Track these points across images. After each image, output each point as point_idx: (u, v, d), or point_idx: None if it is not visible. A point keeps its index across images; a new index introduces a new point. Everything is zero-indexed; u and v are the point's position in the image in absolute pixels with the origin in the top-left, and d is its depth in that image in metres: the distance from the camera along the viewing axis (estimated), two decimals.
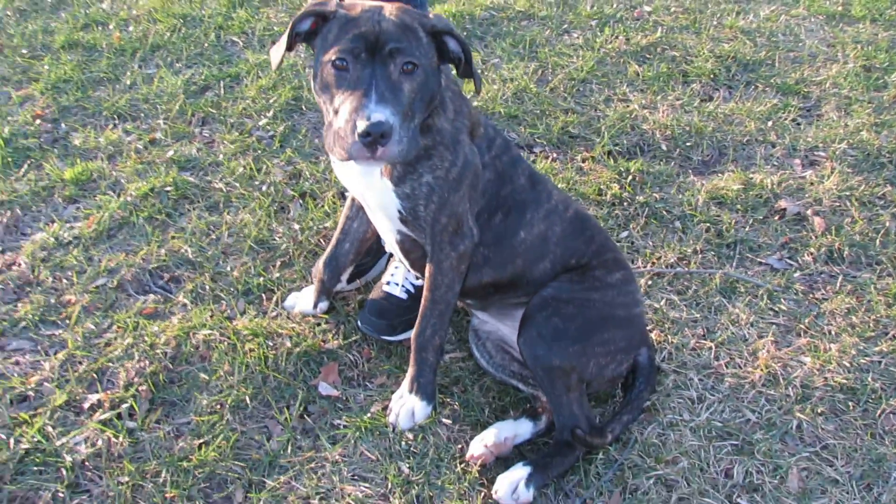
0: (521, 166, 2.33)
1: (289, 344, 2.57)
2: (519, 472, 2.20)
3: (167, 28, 4.39)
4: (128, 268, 2.85)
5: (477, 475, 2.23)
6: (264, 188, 3.24)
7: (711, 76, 4.11)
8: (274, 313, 2.70)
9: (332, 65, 1.91)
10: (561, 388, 2.25)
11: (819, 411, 2.49)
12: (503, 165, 2.28)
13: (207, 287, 2.79)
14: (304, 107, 3.75)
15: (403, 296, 2.66)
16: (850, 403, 2.53)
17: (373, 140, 1.80)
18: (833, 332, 2.76)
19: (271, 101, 3.76)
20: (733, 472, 2.30)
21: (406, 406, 2.36)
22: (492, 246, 2.32)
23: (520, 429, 2.35)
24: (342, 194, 3.22)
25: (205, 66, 4.06)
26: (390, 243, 2.40)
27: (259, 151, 3.45)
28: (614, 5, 4.78)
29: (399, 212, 2.21)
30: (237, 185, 3.25)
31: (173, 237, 2.99)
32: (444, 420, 2.40)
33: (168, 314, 2.69)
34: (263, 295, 2.78)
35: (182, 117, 3.67)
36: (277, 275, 2.86)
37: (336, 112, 1.89)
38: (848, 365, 2.63)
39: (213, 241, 2.98)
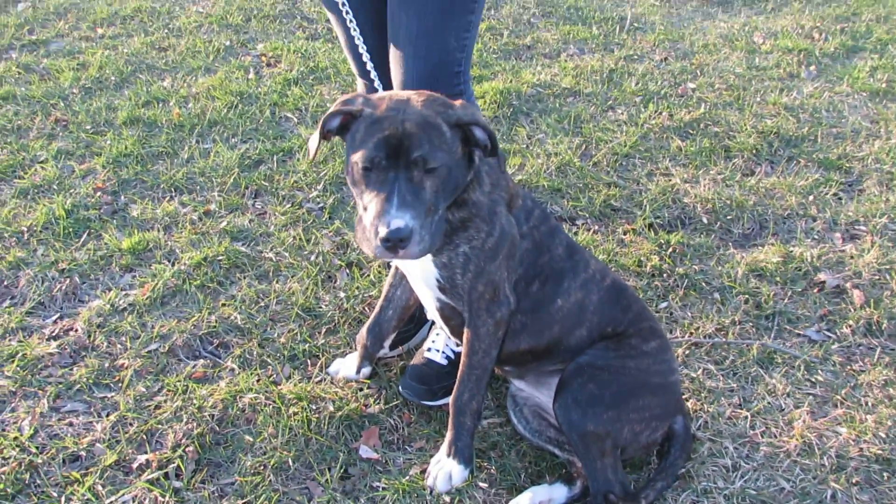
0: (560, 237, 2.41)
1: (331, 408, 2.65)
2: None
3: (224, 105, 4.59)
4: (179, 333, 2.97)
5: None
6: (313, 258, 3.36)
7: (754, 151, 4.18)
8: (318, 378, 2.79)
9: (359, 166, 2.01)
10: (595, 454, 2.29)
11: (854, 481, 2.49)
12: (541, 235, 2.36)
13: (255, 353, 2.89)
14: None
15: (444, 362, 2.74)
16: (886, 474, 2.52)
17: (393, 245, 1.93)
18: (870, 404, 2.76)
19: (321, 174, 3.91)
20: None
21: (444, 469, 2.42)
22: (529, 313, 2.39)
23: (554, 493, 2.38)
24: (388, 264, 3.32)
25: (259, 141, 4.23)
26: (431, 310, 2.48)
27: (309, 222, 3.58)
28: (659, 82, 4.89)
29: (437, 280, 2.30)
30: (287, 254, 3.38)
31: (223, 304, 3.11)
32: (480, 484, 2.44)
33: (216, 378, 2.80)
34: (308, 360, 2.87)
35: (236, 190, 3.83)
36: (322, 341, 2.95)
37: (365, 209, 2.01)
38: (884, 436, 2.63)
39: (262, 309, 3.10)
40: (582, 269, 2.42)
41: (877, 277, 3.31)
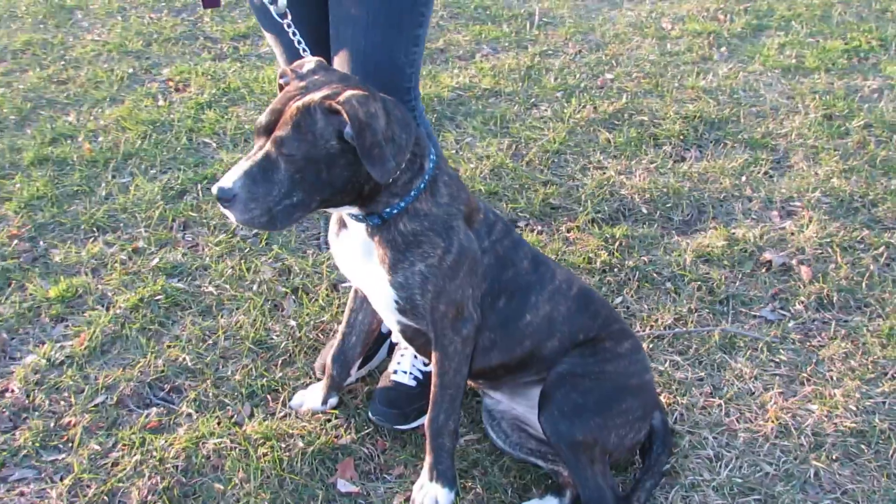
0: (524, 249, 2.35)
1: (301, 444, 2.55)
2: None
3: (137, 135, 4.40)
4: (126, 382, 2.81)
5: None
6: (255, 287, 3.24)
7: (681, 137, 4.21)
8: (282, 413, 2.68)
9: None
10: (585, 462, 2.25)
11: (834, 457, 2.51)
12: (504, 250, 2.30)
13: (210, 394, 2.76)
14: None
15: (412, 383, 2.65)
16: (862, 446, 2.55)
17: (218, 201, 1.97)
18: (835, 378, 2.79)
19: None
20: None
21: (428, 495, 2.33)
22: (498, 329, 2.33)
23: None
24: (335, 287, 3.23)
25: (180, 171, 4.07)
26: (395, 332, 2.40)
27: (245, 251, 3.45)
28: (577, 76, 4.89)
29: (396, 302, 2.22)
30: (227, 287, 3.24)
31: (169, 346, 2.96)
32: None
33: (174, 426, 2.65)
34: (268, 396, 2.75)
35: (163, 224, 3.66)
36: (280, 374, 2.83)
37: None
38: (854, 409, 2.66)
39: (211, 347, 2.96)
40: (548, 280, 2.37)
41: (819, 252, 3.36)
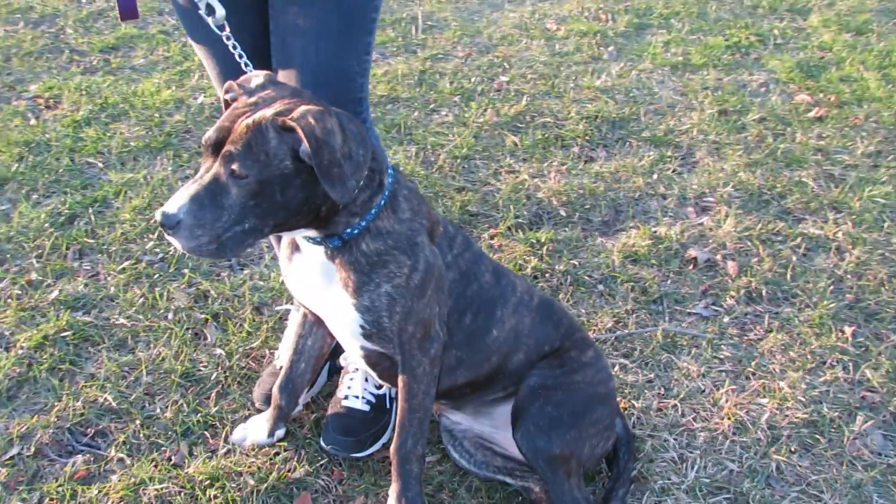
0: (484, 262, 2.26)
1: (252, 481, 2.37)
2: None
3: (11, 158, 4.06)
4: (42, 430, 2.55)
5: None
6: (171, 316, 3.01)
7: (586, 137, 4.21)
8: (224, 450, 2.49)
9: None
10: (562, 476, 2.19)
11: (792, 450, 2.54)
12: (467, 263, 2.20)
13: (141, 435, 2.54)
14: None
15: (366, 408, 2.52)
16: (817, 436, 2.59)
17: (161, 227, 1.85)
18: (778, 370, 2.83)
19: (151, 221, 3.53)
20: None
21: None
22: (464, 347, 2.23)
23: None
24: (258, 310, 3.05)
25: (66, 194, 3.77)
26: (355, 358, 2.26)
27: (154, 277, 3.21)
28: (472, 79, 4.83)
29: (362, 327, 2.09)
30: (140, 317, 3.01)
31: (85, 386, 2.71)
32: None
33: (105, 473, 2.42)
34: (206, 433, 2.55)
35: (56, 252, 3.37)
36: (215, 408, 2.64)
37: None
38: (802, 399, 2.70)
39: (133, 384, 2.73)
40: (511, 293, 2.29)
41: (741, 246, 3.41)
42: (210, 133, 1.85)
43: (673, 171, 3.93)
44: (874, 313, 3.08)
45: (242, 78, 1.97)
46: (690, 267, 3.30)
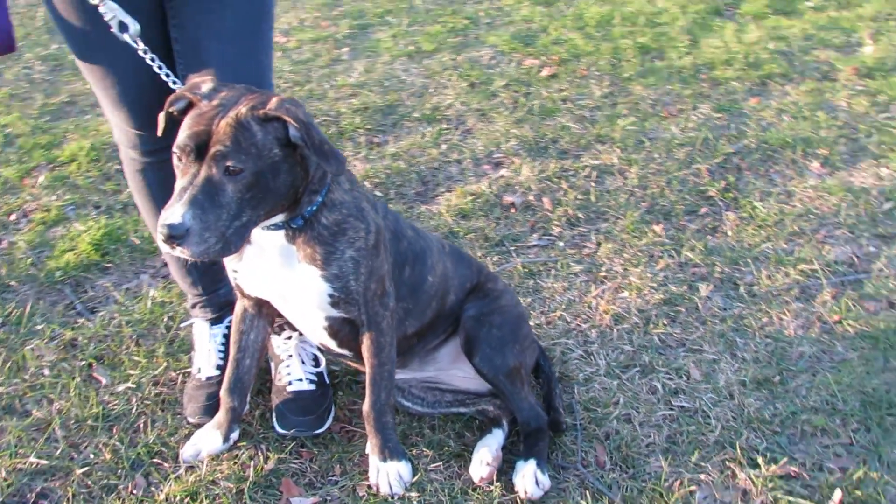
0: (402, 220, 2.49)
1: (231, 484, 2.41)
2: (528, 466, 2.39)
3: None
4: None
5: (500, 491, 2.36)
6: (47, 372, 2.89)
7: (366, 127, 4.49)
8: (183, 469, 2.48)
9: (174, 154, 1.97)
10: (518, 386, 2.49)
11: (664, 323, 3.02)
12: (393, 223, 2.41)
13: (88, 482, 2.44)
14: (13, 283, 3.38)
15: (312, 387, 2.65)
16: (677, 308, 3.10)
17: (168, 239, 1.90)
18: (622, 270, 3.31)
19: None
20: (656, 387, 2.75)
21: (391, 472, 2.39)
22: (409, 298, 2.45)
23: (497, 438, 2.52)
24: (137, 342, 3.01)
25: None
26: (315, 332, 2.40)
27: (8, 340, 3.04)
28: None
29: (330, 296, 2.25)
30: (16, 381, 2.85)
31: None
32: (429, 468, 2.47)
33: None
34: (156, 459, 2.53)
35: None
36: (153, 436, 2.61)
37: None
38: (652, 285, 3.20)
39: (49, 441, 2.60)
40: (431, 243, 2.55)
41: (543, 185, 3.88)
42: (185, 140, 1.92)
43: (457, 140, 4.34)
44: (669, 212, 3.68)
45: (189, 85, 2.05)
46: (512, 211, 3.71)
